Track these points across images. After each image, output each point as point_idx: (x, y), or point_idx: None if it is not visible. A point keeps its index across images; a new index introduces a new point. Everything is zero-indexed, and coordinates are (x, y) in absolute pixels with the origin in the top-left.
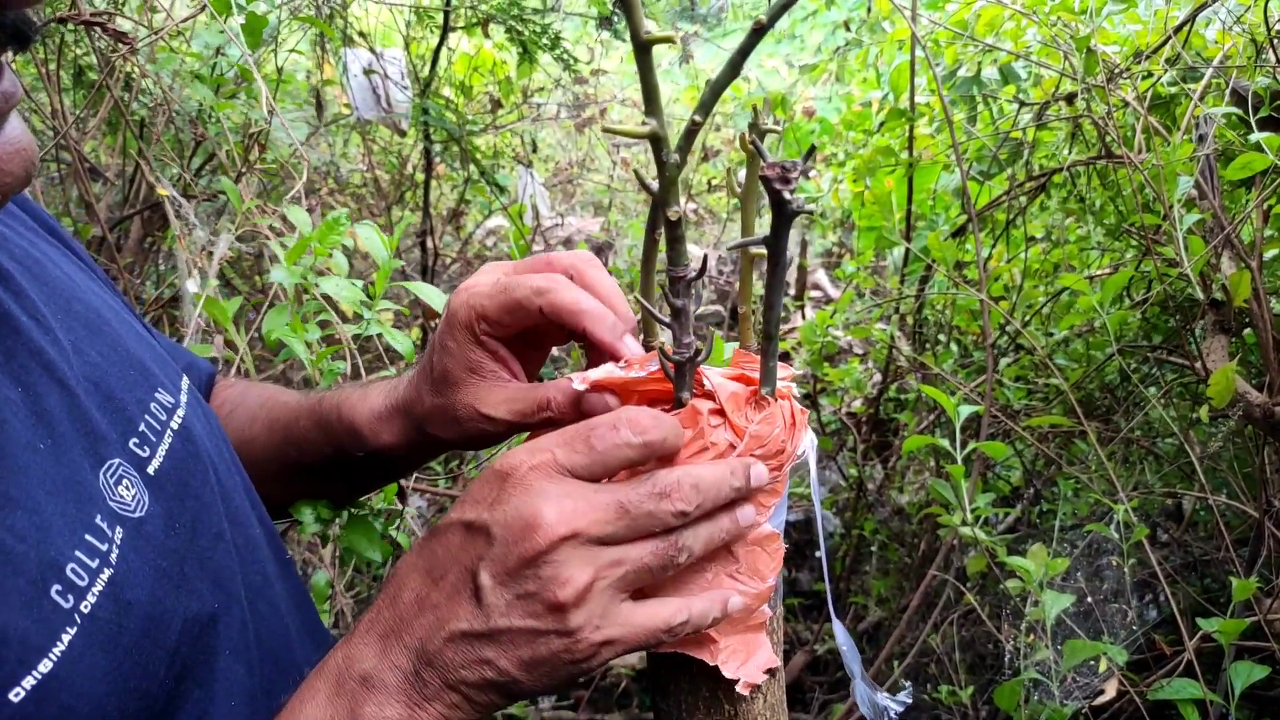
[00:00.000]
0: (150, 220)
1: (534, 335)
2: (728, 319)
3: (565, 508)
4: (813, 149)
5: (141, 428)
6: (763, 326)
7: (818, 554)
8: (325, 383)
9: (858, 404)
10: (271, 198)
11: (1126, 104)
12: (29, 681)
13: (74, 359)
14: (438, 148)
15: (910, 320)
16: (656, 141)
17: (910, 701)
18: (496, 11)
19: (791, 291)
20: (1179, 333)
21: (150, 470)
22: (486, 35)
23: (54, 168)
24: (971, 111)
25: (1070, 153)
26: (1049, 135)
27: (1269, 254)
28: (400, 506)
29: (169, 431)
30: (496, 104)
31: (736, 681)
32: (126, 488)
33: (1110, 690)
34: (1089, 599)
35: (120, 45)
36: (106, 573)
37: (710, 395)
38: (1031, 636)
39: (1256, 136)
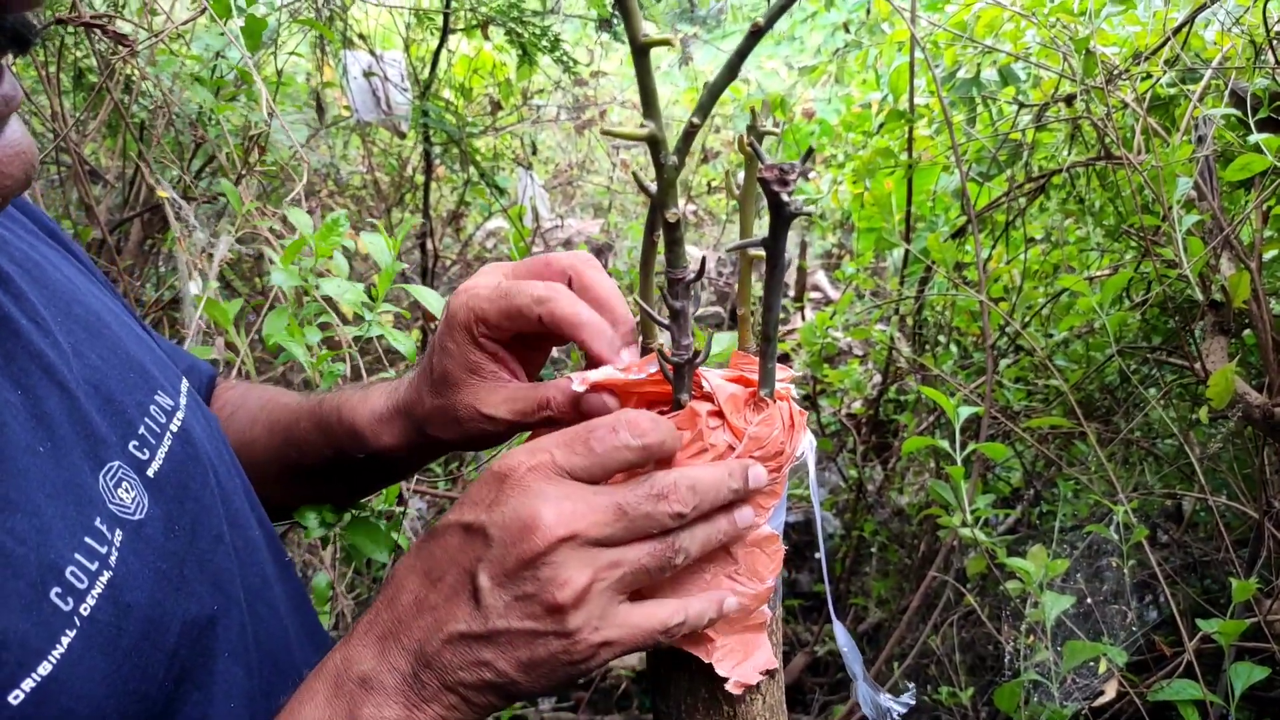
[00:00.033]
0: (150, 222)
1: (534, 338)
2: (727, 320)
3: (564, 509)
4: (811, 151)
5: (141, 430)
6: (761, 328)
7: (817, 555)
8: (325, 384)
9: (857, 405)
10: (271, 200)
11: (1126, 105)
12: (28, 684)
13: (74, 362)
14: (437, 150)
15: (910, 321)
16: (655, 144)
17: (913, 703)
18: (496, 14)
19: (791, 293)
20: (1178, 334)
21: (150, 473)
22: (486, 37)
23: (54, 170)
24: (971, 113)
25: (1069, 154)
26: (1048, 136)
27: (1268, 255)
28: (400, 509)
29: (168, 434)
30: (496, 106)
31: (727, 680)
32: (126, 490)
33: (1110, 691)
34: (1089, 600)
35: (120, 48)
36: (106, 575)
37: (709, 397)
38: (1031, 638)
39: (1255, 138)
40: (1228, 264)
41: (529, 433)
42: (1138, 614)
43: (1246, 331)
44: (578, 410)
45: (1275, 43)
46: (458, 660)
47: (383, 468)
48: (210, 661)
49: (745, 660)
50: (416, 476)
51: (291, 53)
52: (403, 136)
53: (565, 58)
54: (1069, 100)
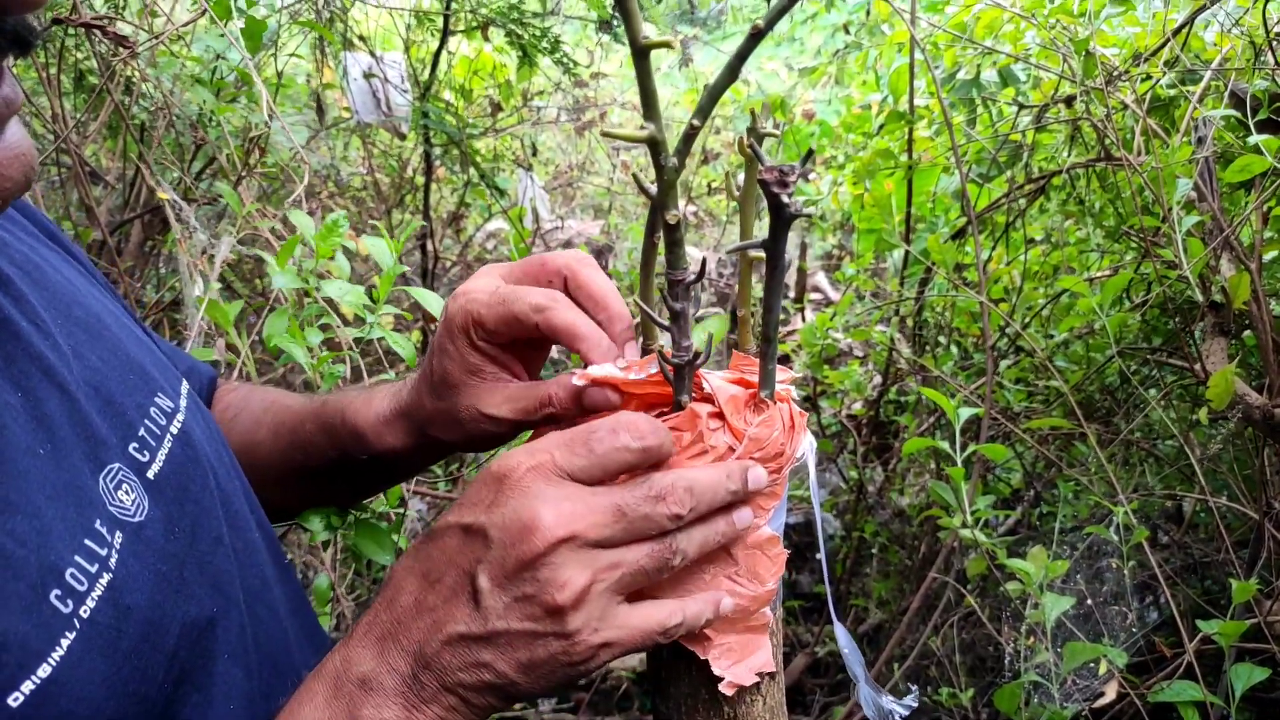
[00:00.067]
0: (151, 224)
1: (533, 340)
2: (727, 322)
3: (563, 510)
4: (810, 152)
5: (141, 432)
6: (762, 329)
7: (818, 556)
8: (325, 386)
9: (858, 406)
10: (272, 201)
11: (1125, 106)
12: (28, 686)
13: (74, 364)
14: (438, 151)
15: (910, 322)
16: (655, 145)
17: (915, 705)
18: (496, 15)
19: (791, 294)
20: (1179, 335)
21: (150, 475)
22: (486, 39)
23: (54, 172)
24: (971, 114)
25: (1069, 155)
26: (1048, 138)
27: (1268, 256)
28: (400, 510)
29: (168, 436)
30: (496, 107)
31: (721, 679)
32: (126, 492)
33: (1110, 692)
34: (1089, 601)
35: (121, 49)
36: (106, 577)
37: (709, 398)
38: (1032, 639)
39: (1255, 139)
40: (1228, 265)
41: (530, 433)
42: (1138, 615)
43: (1246, 332)
44: (580, 405)
45: (1275, 44)
46: (457, 661)
47: (386, 469)
48: (210, 663)
49: (742, 660)
50: (416, 477)
51: (292, 54)
52: (403, 138)
53: (565, 59)
54: (1069, 101)
